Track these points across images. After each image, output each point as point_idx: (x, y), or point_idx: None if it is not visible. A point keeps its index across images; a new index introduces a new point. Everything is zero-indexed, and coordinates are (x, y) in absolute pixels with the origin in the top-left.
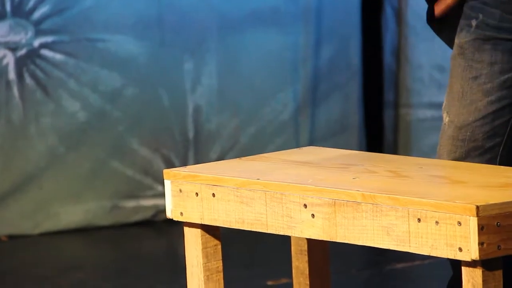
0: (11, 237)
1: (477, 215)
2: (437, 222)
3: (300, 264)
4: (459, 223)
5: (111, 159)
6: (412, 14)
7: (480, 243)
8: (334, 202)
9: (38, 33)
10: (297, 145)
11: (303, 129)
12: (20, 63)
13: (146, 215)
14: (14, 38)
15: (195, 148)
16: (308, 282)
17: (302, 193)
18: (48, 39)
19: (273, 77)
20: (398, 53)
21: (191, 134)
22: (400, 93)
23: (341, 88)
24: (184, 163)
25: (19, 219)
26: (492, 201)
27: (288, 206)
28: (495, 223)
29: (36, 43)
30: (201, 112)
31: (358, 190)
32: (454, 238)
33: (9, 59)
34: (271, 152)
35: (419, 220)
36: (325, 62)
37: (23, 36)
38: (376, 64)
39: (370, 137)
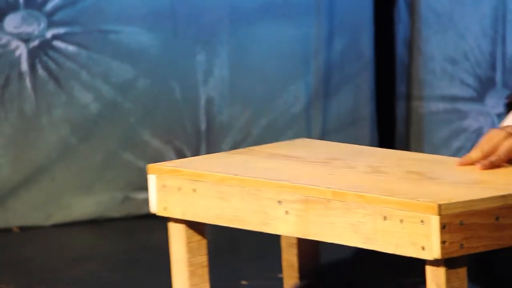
0: (23, 229)
1: (439, 214)
2: (401, 221)
3: (290, 257)
4: (422, 221)
5: (123, 150)
6: (425, 6)
7: (442, 242)
8: (307, 199)
9: (51, 24)
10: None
11: (314, 121)
12: (33, 55)
13: None
14: (26, 29)
15: (207, 140)
16: (298, 275)
17: (277, 189)
18: (61, 30)
19: (285, 69)
20: (410, 45)
21: (203, 126)
22: (412, 85)
23: (353, 80)
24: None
25: (31, 211)
26: (455, 199)
27: (263, 203)
28: (458, 222)
29: (49, 34)
30: (213, 104)
31: (328, 187)
32: (417, 236)
33: (22, 51)
34: None
35: (385, 218)
36: (337, 54)
37: (36, 27)
38: (388, 56)
39: (382, 129)
